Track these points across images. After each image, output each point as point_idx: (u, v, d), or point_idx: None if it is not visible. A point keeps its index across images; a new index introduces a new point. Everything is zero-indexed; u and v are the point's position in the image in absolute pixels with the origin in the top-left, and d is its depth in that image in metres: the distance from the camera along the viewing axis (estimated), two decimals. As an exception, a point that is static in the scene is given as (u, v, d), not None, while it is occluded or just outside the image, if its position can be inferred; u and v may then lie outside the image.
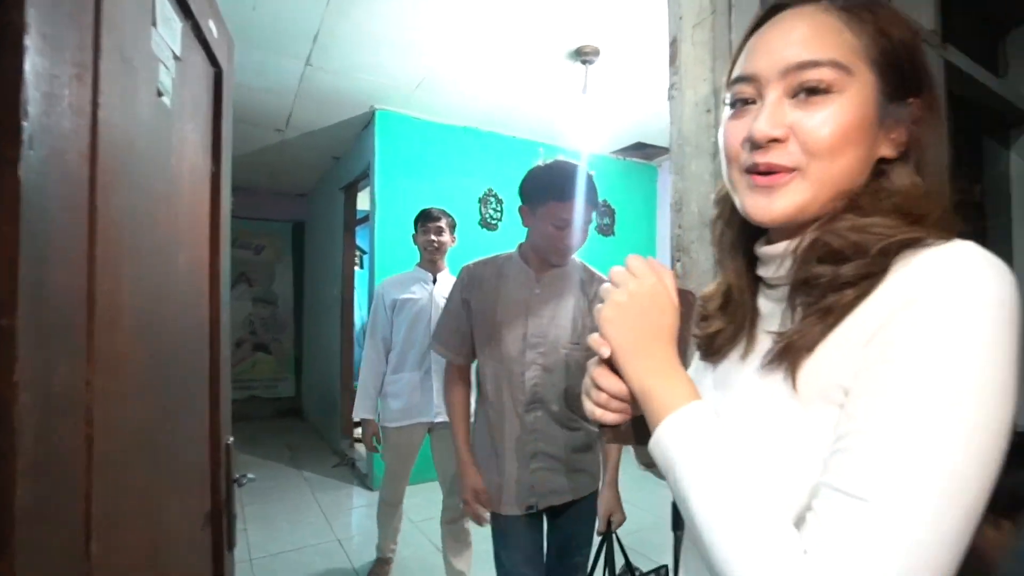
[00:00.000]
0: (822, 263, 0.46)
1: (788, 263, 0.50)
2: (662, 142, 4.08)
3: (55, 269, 0.49)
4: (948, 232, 0.43)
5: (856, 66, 0.46)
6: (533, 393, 1.41)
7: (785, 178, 0.48)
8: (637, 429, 0.54)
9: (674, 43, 1.02)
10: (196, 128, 0.94)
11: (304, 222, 6.21)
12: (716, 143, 0.57)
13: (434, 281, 2.43)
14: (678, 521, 1.02)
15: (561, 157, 1.54)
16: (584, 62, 2.89)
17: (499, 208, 4.10)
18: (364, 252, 5.39)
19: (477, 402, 1.55)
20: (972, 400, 0.36)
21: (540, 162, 1.47)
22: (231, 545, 1.05)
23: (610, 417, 0.53)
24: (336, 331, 4.67)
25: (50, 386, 0.48)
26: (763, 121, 0.48)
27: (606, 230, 4.59)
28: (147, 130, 0.72)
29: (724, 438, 0.45)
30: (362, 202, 4.52)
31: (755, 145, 0.48)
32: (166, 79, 0.77)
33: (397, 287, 2.44)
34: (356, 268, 4.81)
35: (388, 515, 2.51)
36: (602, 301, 0.53)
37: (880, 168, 0.49)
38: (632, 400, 0.51)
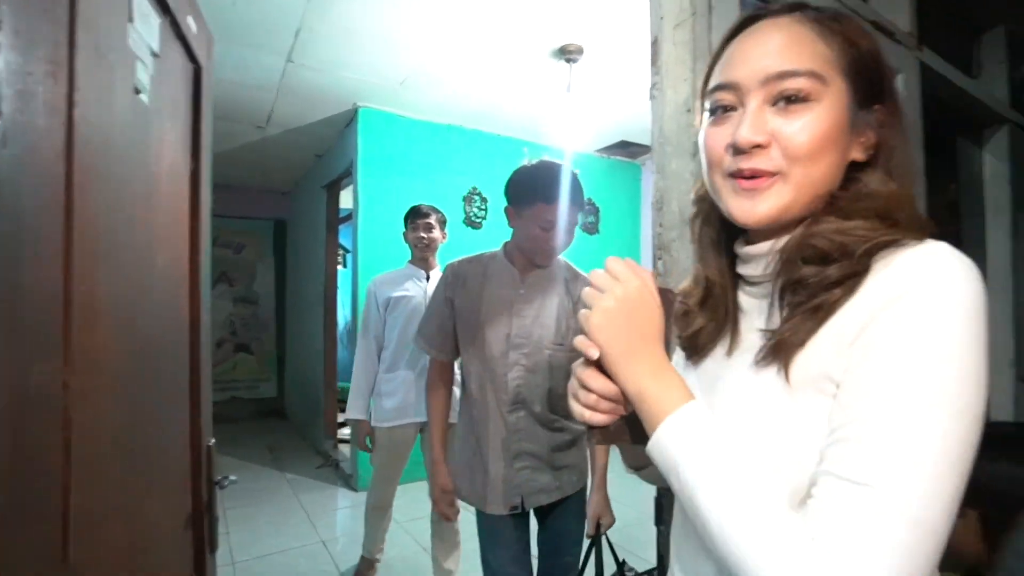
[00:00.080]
0: (808, 263, 0.49)
1: (771, 262, 0.53)
2: (646, 140, 4.11)
3: (30, 269, 0.49)
4: (922, 233, 0.47)
5: (830, 75, 0.49)
6: (516, 394, 1.41)
7: (768, 182, 0.50)
8: (626, 428, 0.54)
9: (655, 43, 1.03)
10: (175, 125, 0.92)
11: (286, 220, 6.14)
12: (696, 143, 0.58)
13: (427, 278, 2.41)
14: (661, 516, 1.03)
15: (546, 156, 1.52)
16: (568, 60, 2.90)
17: (484, 206, 4.09)
18: (347, 251, 5.35)
19: (462, 400, 1.54)
20: (953, 388, 0.40)
21: (526, 162, 1.45)
22: (213, 548, 1.04)
23: (599, 418, 0.54)
24: (319, 330, 4.63)
25: (26, 388, 0.47)
26: (746, 128, 0.50)
27: (591, 228, 4.62)
28: (124, 128, 0.71)
29: (724, 435, 0.47)
30: (345, 200, 4.49)
31: (739, 151, 0.51)
32: (144, 76, 0.76)
33: (390, 285, 2.40)
34: (339, 267, 4.77)
35: (377, 518, 2.46)
36: (587, 307, 0.53)
37: (852, 174, 0.52)
38: (622, 400, 0.52)
